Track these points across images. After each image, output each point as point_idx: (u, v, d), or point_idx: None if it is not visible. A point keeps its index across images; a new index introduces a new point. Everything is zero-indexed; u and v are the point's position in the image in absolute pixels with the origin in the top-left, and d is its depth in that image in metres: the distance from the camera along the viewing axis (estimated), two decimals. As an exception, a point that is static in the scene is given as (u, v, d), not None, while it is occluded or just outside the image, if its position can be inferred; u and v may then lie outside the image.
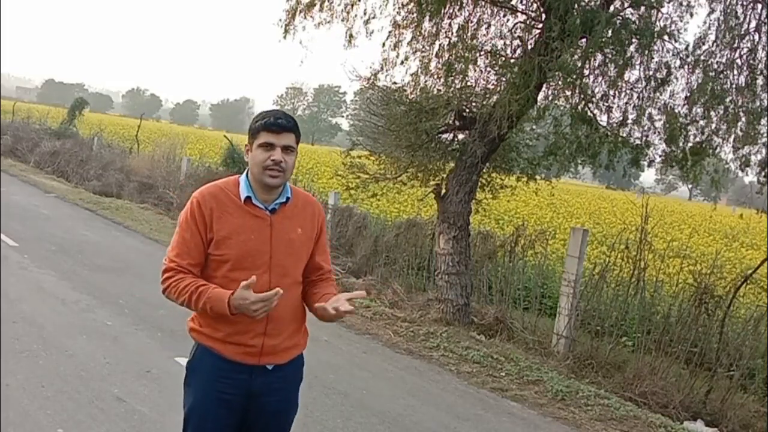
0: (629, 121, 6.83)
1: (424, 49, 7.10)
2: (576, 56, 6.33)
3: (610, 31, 6.09)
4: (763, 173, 6.48)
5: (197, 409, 2.34)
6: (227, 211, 2.28)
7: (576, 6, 6.21)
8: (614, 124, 6.92)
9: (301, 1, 7.43)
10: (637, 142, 6.94)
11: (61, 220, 11.07)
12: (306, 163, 22.52)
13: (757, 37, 6.36)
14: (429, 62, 7.07)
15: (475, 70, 7.19)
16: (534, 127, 8.19)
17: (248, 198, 2.29)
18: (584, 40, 6.25)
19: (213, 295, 2.20)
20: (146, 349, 5.40)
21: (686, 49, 6.50)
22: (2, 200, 11.00)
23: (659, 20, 6.54)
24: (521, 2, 7.27)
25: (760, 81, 6.40)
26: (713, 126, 6.55)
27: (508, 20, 7.25)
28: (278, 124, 2.25)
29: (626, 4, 6.61)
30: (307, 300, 2.44)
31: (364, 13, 7.28)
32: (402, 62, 7.24)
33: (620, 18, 6.32)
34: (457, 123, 7.57)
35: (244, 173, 2.36)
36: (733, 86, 6.44)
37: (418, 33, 7.02)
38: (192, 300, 2.22)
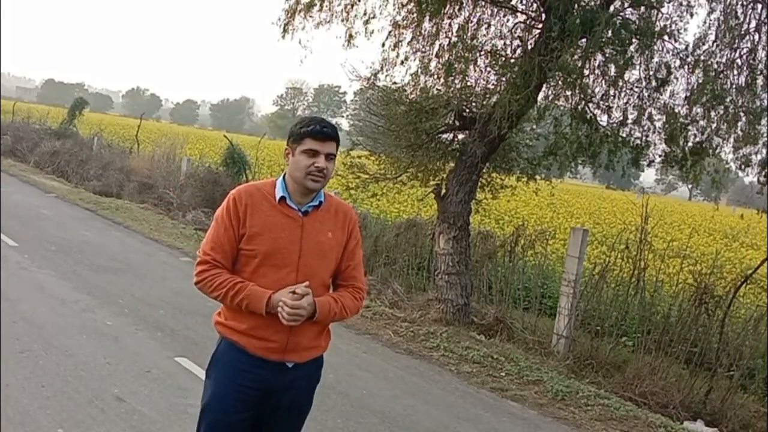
0: (629, 121, 6.83)
1: (424, 49, 7.09)
2: (576, 56, 6.33)
3: (610, 31, 6.09)
4: (763, 173, 6.48)
5: (215, 401, 2.39)
6: (261, 208, 2.36)
7: (576, 6, 6.21)
8: (614, 124, 6.92)
9: (300, 1, 7.42)
10: (637, 142, 6.95)
11: (61, 220, 11.06)
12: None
13: (757, 37, 6.36)
14: (429, 62, 7.07)
15: (475, 70, 7.19)
16: (534, 127, 8.18)
17: (282, 198, 2.38)
18: (584, 40, 6.25)
19: (251, 293, 2.29)
20: (146, 349, 5.40)
21: (686, 49, 6.50)
22: (2, 200, 11.00)
23: (659, 20, 6.54)
24: (521, 2, 7.27)
25: (760, 81, 6.40)
26: (713, 126, 6.55)
27: (508, 20, 7.25)
28: (324, 132, 2.34)
29: (626, 4, 6.61)
30: None
31: (364, 13, 7.29)
32: (402, 62, 7.24)
33: (620, 18, 6.32)
34: (457, 123, 7.57)
35: (281, 176, 2.43)
36: (733, 86, 6.44)
37: (418, 33, 7.02)
38: (228, 295, 2.30)
